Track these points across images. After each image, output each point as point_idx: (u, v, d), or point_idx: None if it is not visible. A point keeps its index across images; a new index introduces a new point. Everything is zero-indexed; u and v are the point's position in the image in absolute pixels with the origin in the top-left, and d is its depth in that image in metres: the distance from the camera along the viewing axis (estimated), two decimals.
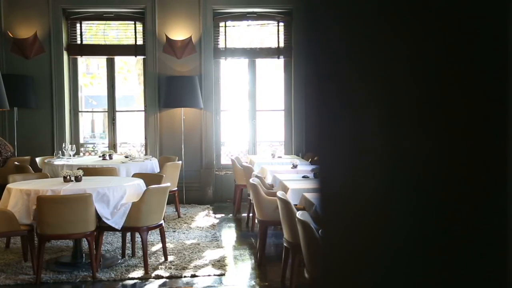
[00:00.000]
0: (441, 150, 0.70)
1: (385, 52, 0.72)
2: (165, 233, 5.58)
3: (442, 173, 0.70)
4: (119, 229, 4.94)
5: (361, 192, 0.76)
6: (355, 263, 0.77)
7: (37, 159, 7.74)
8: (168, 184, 5.48)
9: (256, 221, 5.92)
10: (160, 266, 5.20)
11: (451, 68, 0.69)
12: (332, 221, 0.81)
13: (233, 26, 9.25)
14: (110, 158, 7.42)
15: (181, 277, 4.93)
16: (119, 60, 10.12)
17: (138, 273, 5.01)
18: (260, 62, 9.31)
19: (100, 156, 7.58)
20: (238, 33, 9.35)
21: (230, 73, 9.58)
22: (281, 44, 9.13)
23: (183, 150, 8.74)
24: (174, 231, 6.68)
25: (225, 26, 9.13)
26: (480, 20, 0.68)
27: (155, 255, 5.57)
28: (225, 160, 9.23)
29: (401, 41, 0.71)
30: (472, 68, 0.69)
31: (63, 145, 7.55)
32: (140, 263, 5.21)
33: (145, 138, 9.09)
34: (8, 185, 5.14)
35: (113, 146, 9.16)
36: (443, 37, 0.69)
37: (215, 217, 7.65)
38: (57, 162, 7.07)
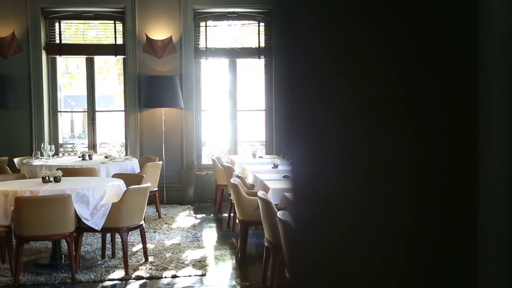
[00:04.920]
0: (421, 152, 0.71)
1: (367, 52, 0.73)
2: (146, 233, 5.55)
3: (422, 173, 0.71)
4: (99, 230, 4.91)
5: (343, 192, 0.76)
6: (330, 260, 0.78)
7: (15, 160, 7.65)
8: (149, 184, 5.45)
9: (237, 221, 5.91)
10: (140, 267, 5.17)
11: (430, 69, 0.71)
12: (311, 220, 0.82)
13: (214, 26, 9.23)
14: (90, 158, 7.36)
15: (162, 277, 4.91)
16: (98, 59, 10.04)
17: (118, 274, 4.98)
18: (240, 62, 9.31)
19: (79, 157, 7.51)
20: (218, 33, 9.34)
21: (211, 73, 9.56)
22: (262, 44, 9.14)
23: (163, 150, 8.70)
24: (155, 232, 6.65)
25: (206, 26, 9.11)
26: (452, 25, 0.69)
27: (136, 255, 5.54)
28: (206, 160, 9.21)
29: (382, 42, 0.72)
30: (447, 70, 0.70)
31: (42, 146, 7.46)
32: (120, 264, 5.18)
33: (125, 138, 9.03)
34: None
35: (92, 146, 9.08)
36: (421, 39, 0.71)
37: (196, 217, 7.63)
38: (36, 162, 6.99)
